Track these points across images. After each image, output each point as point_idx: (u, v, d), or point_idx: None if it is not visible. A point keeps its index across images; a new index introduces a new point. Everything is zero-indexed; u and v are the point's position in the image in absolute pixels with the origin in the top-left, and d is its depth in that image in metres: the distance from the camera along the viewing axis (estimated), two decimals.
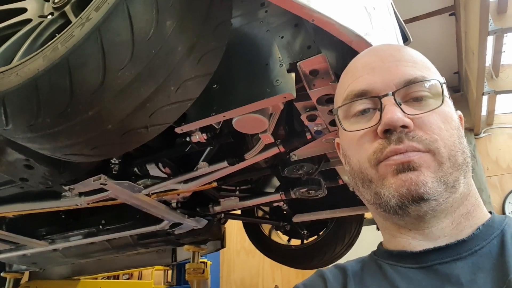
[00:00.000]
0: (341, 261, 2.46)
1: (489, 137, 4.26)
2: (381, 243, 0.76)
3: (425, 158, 0.60)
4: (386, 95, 0.64)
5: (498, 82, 3.51)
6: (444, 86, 0.66)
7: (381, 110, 0.63)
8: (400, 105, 0.63)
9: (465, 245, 0.61)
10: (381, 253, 0.72)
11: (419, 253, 0.63)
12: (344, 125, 0.69)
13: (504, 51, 3.28)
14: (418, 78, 0.65)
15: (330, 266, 0.77)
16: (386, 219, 0.68)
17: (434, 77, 0.67)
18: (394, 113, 0.61)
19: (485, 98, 3.71)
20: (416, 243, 0.65)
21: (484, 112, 4.09)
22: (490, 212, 0.68)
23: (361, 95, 0.67)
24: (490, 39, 2.87)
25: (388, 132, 0.62)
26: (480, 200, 0.68)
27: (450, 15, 3.21)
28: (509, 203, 3.89)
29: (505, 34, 2.96)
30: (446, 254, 0.61)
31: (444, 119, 0.64)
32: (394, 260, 0.67)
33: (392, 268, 0.66)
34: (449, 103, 0.67)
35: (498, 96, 3.76)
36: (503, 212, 3.86)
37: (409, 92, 0.65)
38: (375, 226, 2.57)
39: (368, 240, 3.00)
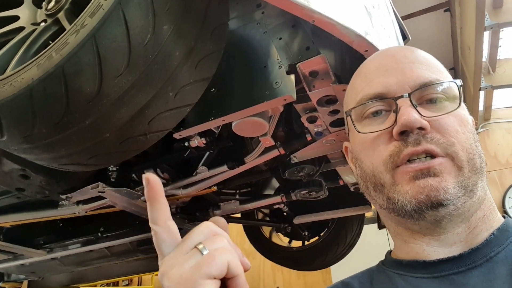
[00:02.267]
0: (343, 261, 2.47)
1: (487, 132, 4.26)
2: (389, 252, 0.74)
3: (446, 164, 0.59)
4: (402, 96, 0.62)
5: (495, 77, 3.51)
6: (461, 88, 0.64)
7: (396, 111, 0.62)
8: (416, 107, 0.61)
9: (480, 252, 0.59)
10: (390, 263, 0.70)
11: (432, 262, 0.61)
12: (357, 127, 0.67)
13: (500, 46, 3.27)
14: (433, 81, 0.64)
15: (336, 282, 0.74)
16: (399, 224, 0.66)
17: (448, 80, 0.65)
18: (410, 114, 0.60)
19: (482, 93, 3.71)
20: (431, 249, 0.63)
21: (481, 107, 4.09)
22: (504, 217, 0.67)
23: (376, 98, 0.66)
24: (486, 34, 2.87)
25: (404, 134, 0.61)
26: (494, 204, 0.67)
27: (445, 11, 3.21)
28: (509, 198, 3.89)
29: (501, 29, 2.95)
30: (461, 263, 0.59)
31: (461, 122, 0.63)
32: (405, 270, 0.65)
33: (402, 279, 0.64)
34: (463, 106, 0.65)
35: (495, 91, 3.76)
36: (503, 207, 3.86)
37: (424, 94, 0.64)
38: (375, 225, 2.56)
39: (369, 239, 3.01)
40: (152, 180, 0.48)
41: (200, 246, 0.45)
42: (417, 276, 0.62)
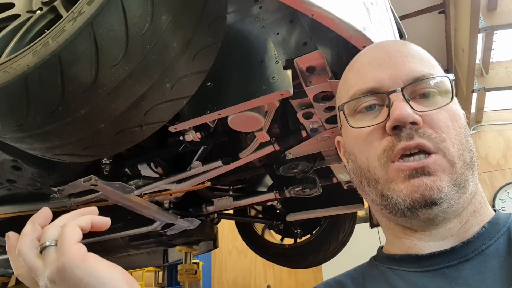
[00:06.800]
0: (335, 259, 2.47)
1: (478, 134, 4.29)
2: (380, 248, 0.74)
3: (440, 162, 0.59)
4: (394, 91, 0.62)
5: (487, 79, 3.54)
6: (454, 83, 0.65)
7: (389, 106, 0.62)
8: (409, 101, 0.61)
9: (471, 245, 0.60)
10: (382, 258, 0.70)
11: (424, 256, 0.61)
12: (350, 122, 0.67)
13: (493, 48, 3.30)
14: (426, 75, 0.64)
15: (329, 279, 0.74)
16: (391, 220, 0.66)
17: (440, 74, 0.65)
18: (403, 109, 0.60)
19: (474, 96, 3.73)
20: (422, 244, 0.63)
21: (473, 109, 4.12)
22: (494, 210, 0.67)
23: (369, 92, 0.66)
24: (480, 37, 2.88)
25: (397, 128, 0.61)
26: (485, 198, 0.67)
27: (439, 12, 3.22)
28: (499, 199, 3.93)
29: (495, 32, 2.97)
30: (453, 256, 0.59)
31: (452, 116, 0.63)
32: (397, 265, 0.65)
33: (395, 274, 0.64)
34: (455, 100, 0.65)
35: (487, 93, 3.79)
36: (494, 209, 3.88)
37: (417, 88, 0.64)
38: (367, 224, 2.56)
39: (360, 238, 3.02)
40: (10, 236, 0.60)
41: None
42: (409, 270, 0.62)
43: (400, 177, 0.60)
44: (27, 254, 0.54)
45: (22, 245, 0.55)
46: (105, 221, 0.60)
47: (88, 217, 0.58)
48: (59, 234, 0.54)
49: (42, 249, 0.54)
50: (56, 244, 0.54)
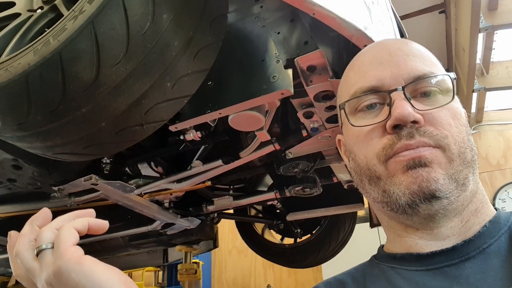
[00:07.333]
0: (335, 259, 2.47)
1: (478, 134, 4.30)
2: (381, 246, 0.74)
3: (436, 154, 0.59)
4: (395, 89, 0.62)
5: (488, 79, 3.54)
6: (455, 81, 0.64)
7: (390, 105, 0.62)
8: (410, 100, 0.61)
9: (473, 244, 0.60)
10: (383, 257, 0.70)
11: (426, 255, 0.61)
12: (351, 121, 0.67)
13: (494, 48, 3.30)
14: (427, 74, 0.64)
15: (329, 278, 0.74)
16: (392, 218, 0.66)
17: (441, 73, 0.65)
18: (404, 108, 0.59)
19: (474, 95, 3.73)
20: (423, 243, 0.63)
21: (473, 109, 4.13)
22: (496, 209, 0.67)
23: (370, 91, 0.65)
24: (480, 36, 2.89)
25: (397, 127, 0.60)
26: (486, 196, 0.67)
27: (440, 12, 3.22)
28: (499, 199, 3.93)
29: (495, 31, 2.98)
30: (454, 255, 0.59)
31: (454, 115, 0.63)
32: (398, 264, 0.65)
33: (396, 272, 0.64)
34: (457, 99, 0.65)
35: (488, 93, 3.79)
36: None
37: (418, 87, 0.63)
38: (367, 224, 2.56)
39: (360, 238, 3.02)
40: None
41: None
42: (410, 269, 0.62)
43: (399, 168, 0.60)
44: (24, 256, 0.54)
45: (19, 246, 0.55)
46: (102, 224, 0.59)
47: (85, 219, 0.58)
48: (55, 237, 0.54)
49: (38, 252, 0.53)
50: (52, 247, 0.53)
